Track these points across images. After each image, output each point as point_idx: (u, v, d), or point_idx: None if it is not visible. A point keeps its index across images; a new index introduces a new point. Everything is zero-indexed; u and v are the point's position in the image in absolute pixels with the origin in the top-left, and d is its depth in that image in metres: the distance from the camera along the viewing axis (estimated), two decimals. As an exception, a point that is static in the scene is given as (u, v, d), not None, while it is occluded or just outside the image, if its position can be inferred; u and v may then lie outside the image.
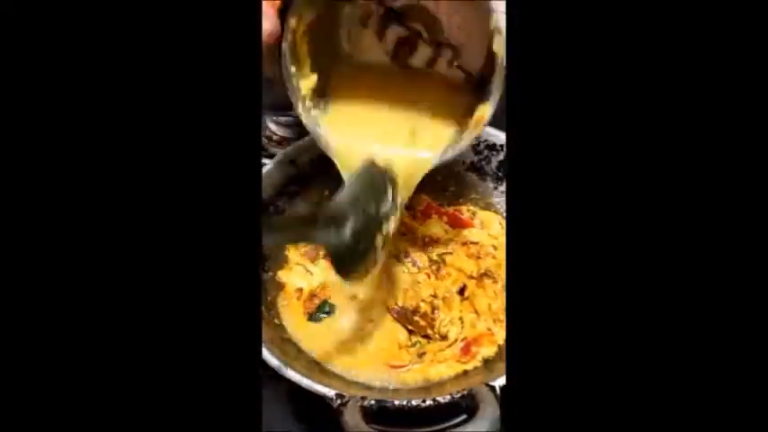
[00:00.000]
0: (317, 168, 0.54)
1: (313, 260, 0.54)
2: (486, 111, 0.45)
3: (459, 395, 0.38)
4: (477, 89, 0.47)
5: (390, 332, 0.49)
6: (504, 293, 0.50)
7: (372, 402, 0.38)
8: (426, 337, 0.49)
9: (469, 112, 0.47)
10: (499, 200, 0.58)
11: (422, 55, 0.51)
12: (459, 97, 0.49)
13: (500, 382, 0.39)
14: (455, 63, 0.51)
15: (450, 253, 0.54)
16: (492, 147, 0.57)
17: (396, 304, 0.50)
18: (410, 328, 0.49)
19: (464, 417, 0.38)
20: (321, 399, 0.39)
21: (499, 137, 0.57)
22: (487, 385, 0.38)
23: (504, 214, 0.57)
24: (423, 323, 0.49)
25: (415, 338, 0.49)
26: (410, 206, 0.56)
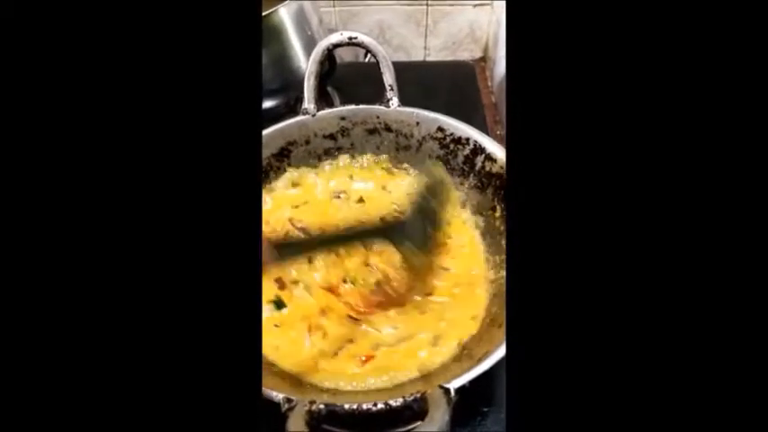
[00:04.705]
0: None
1: None
2: None
3: (411, 398, 0.37)
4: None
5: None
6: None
7: (321, 407, 0.37)
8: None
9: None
10: (464, 194, 0.57)
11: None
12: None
13: (455, 383, 0.38)
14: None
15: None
16: (458, 140, 0.56)
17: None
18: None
19: (418, 422, 0.37)
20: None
21: (465, 130, 0.55)
22: (441, 387, 0.37)
23: (468, 208, 0.56)
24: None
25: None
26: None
